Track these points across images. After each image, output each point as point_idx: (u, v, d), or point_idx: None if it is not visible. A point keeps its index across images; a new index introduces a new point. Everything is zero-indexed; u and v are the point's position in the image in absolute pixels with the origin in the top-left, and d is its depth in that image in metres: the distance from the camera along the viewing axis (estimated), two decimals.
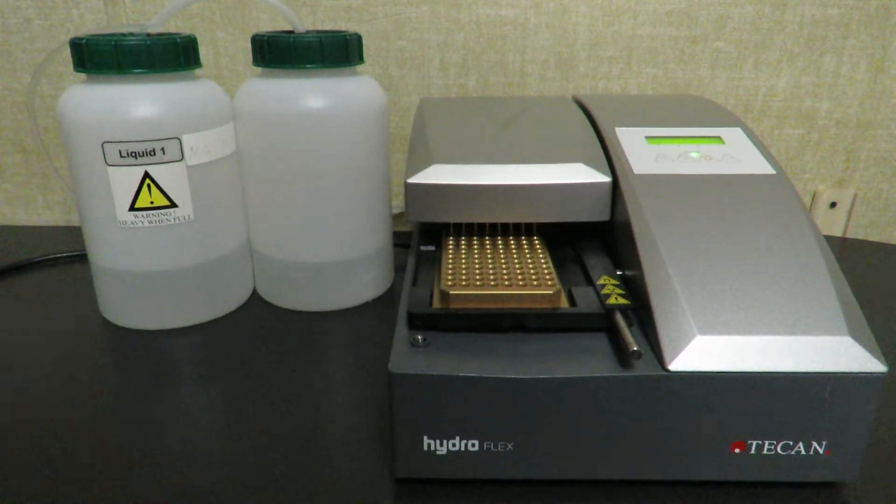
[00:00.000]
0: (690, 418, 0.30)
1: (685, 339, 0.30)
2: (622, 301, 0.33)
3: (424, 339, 0.32)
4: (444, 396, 0.30)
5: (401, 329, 0.33)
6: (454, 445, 0.31)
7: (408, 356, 0.31)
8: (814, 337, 0.30)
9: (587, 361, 0.31)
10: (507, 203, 0.38)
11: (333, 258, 0.50)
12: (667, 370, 0.30)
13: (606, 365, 0.31)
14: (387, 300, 0.53)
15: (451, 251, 0.38)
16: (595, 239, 0.42)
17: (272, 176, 0.48)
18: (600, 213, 0.39)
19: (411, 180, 0.38)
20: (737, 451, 0.31)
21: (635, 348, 0.29)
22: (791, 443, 0.31)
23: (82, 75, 0.44)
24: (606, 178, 0.38)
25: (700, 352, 0.30)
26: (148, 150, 0.43)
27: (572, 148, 0.41)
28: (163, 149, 0.43)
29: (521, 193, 0.38)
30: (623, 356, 0.31)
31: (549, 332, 0.33)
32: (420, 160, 0.40)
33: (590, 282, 0.37)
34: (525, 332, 0.33)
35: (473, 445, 0.31)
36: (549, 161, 0.39)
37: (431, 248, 0.42)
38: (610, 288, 0.35)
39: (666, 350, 0.30)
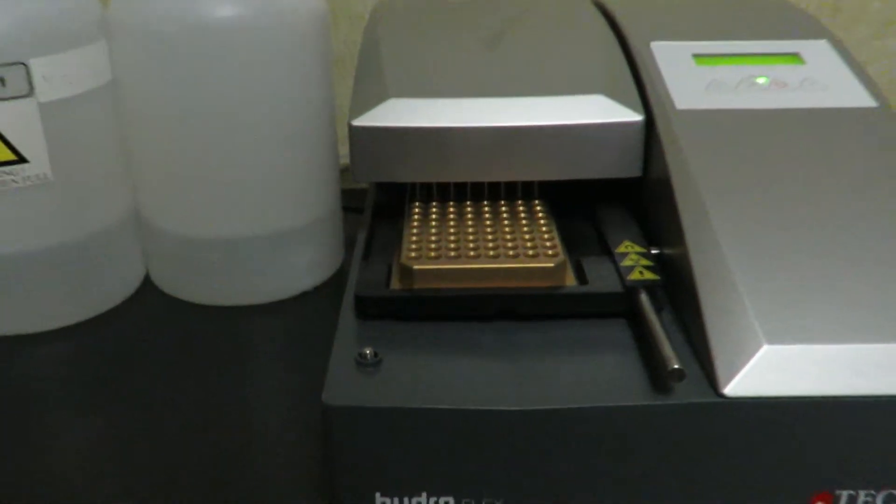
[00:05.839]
0: (754, 461, 0.30)
1: (748, 350, 0.30)
2: (649, 275, 0.34)
3: (375, 354, 0.32)
4: (403, 437, 0.30)
5: (346, 321, 0.34)
6: None
7: (351, 380, 0.31)
8: None
9: (608, 381, 0.31)
10: (494, 154, 0.38)
11: (256, 232, 0.49)
12: (721, 395, 0.30)
13: (636, 388, 0.30)
14: (333, 288, 0.53)
15: (417, 215, 0.39)
16: (619, 203, 0.42)
17: (165, 117, 0.47)
18: (629, 168, 0.39)
19: (357, 122, 0.38)
20: None
21: (676, 366, 0.29)
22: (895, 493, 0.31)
23: None
24: (638, 116, 0.38)
25: (768, 369, 0.30)
26: None
27: (588, 73, 0.41)
28: (2, 79, 0.42)
29: (515, 139, 0.38)
30: (659, 376, 0.30)
31: (549, 320, 0.34)
32: (370, 93, 0.39)
33: (606, 250, 0.37)
34: (517, 322, 0.34)
35: None
36: (556, 92, 0.39)
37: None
38: (634, 258, 0.35)
39: (720, 366, 0.30)
